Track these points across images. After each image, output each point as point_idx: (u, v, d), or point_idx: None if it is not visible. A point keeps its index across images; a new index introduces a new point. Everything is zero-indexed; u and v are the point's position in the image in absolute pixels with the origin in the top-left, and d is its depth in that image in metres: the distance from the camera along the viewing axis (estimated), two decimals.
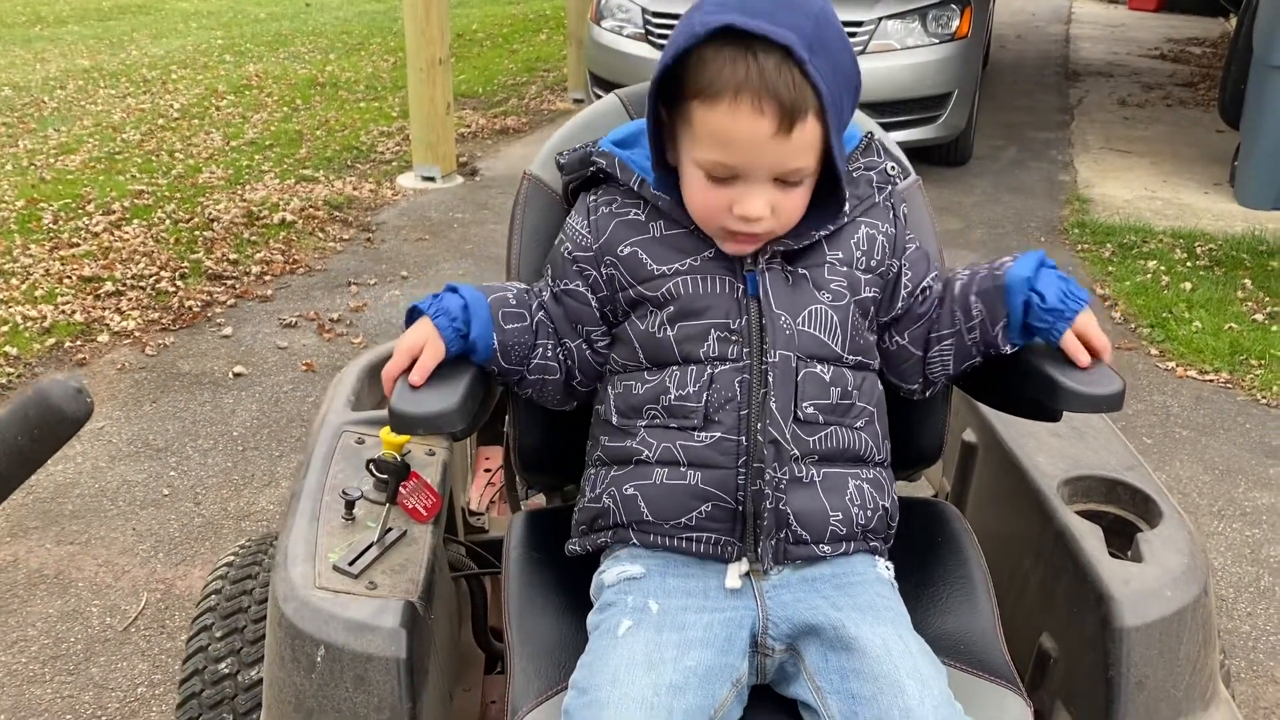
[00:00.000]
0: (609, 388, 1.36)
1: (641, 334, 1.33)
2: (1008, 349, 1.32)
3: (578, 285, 1.36)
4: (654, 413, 1.30)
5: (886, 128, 1.63)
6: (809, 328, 1.30)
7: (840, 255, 1.34)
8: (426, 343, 1.27)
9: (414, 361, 1.27)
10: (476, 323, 1.29)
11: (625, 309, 1.35)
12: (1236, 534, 3.00)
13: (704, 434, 1.27)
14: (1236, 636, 2.59)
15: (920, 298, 1.38)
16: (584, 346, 1.37)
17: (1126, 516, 1.62)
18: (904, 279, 1.37)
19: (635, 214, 1.35)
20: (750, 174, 1.21)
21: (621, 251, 1.34)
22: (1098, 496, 1.64)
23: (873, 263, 1.35)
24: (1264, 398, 3.74)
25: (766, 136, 1.16)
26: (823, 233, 1.32)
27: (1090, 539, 1.50)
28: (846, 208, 1.32)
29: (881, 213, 1.37)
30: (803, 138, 1.17)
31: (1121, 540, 1.55)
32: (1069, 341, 1.27)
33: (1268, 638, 2.60)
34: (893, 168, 1.39)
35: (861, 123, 1.49)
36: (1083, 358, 1.27)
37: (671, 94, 1.24)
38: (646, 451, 1.29)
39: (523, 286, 1.40)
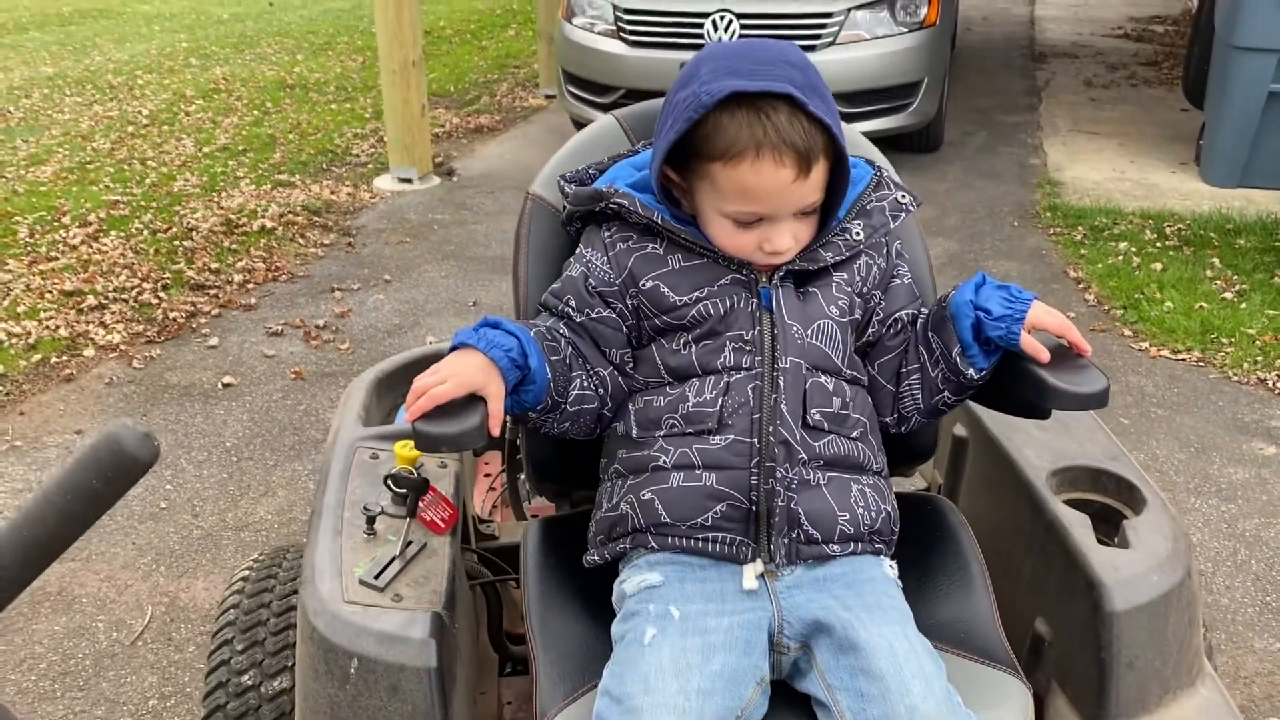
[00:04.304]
0: (629, 404, 1.43)
1: (666, 352, 1.41)
2: (972, 373, 1.38)
3: (607, 313, 1.42)
4: (672, 421, 1.37)
5: (858, 118, 1.73)
6: (816, 340, 1.39)
7: (845, 277, 1.44)
8: (487, 381, 1.27)
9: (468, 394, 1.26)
10: (533, 354, 1.32)
11: (651, 335, 1.43)
12: (1213, 509, 3.09)
13: (718, 437, 1.34)
14: (1216, 609, 2.69)
15: (892, 329, 1.47)
16: (615, 374, 1.43)
17: (1112, 504, 1.69)
18: (878, 309, 1.46)
19: (653, 248, 1.42)
20: (776, 216, 1.33)
21: (645, 285, 1.41)
22: (1084, 486, 1.72)
23: (864, 290, 1.45)
24: (1235, 375, 3.84)
25: (788, 183, 1.28)
26: (838, 258, 1.41)
27: (1079, 527, 1.57)
28: (861, 234, 1.42)
29: (878, 247, 1.48)
30: (818, 175, 1.31)
31: (1108, 527, 1.63)
32: (1027, 343, 1.34)
33: (1245, 609, 2.69)
34: (904, 196, 1.48)
35: (865, 149, 1.58)
36: (1042, 355, 1.34)
37: (682, 157, 1.34)
38: (664, 458, 1.36)
39: (537, 325, 1.42)
